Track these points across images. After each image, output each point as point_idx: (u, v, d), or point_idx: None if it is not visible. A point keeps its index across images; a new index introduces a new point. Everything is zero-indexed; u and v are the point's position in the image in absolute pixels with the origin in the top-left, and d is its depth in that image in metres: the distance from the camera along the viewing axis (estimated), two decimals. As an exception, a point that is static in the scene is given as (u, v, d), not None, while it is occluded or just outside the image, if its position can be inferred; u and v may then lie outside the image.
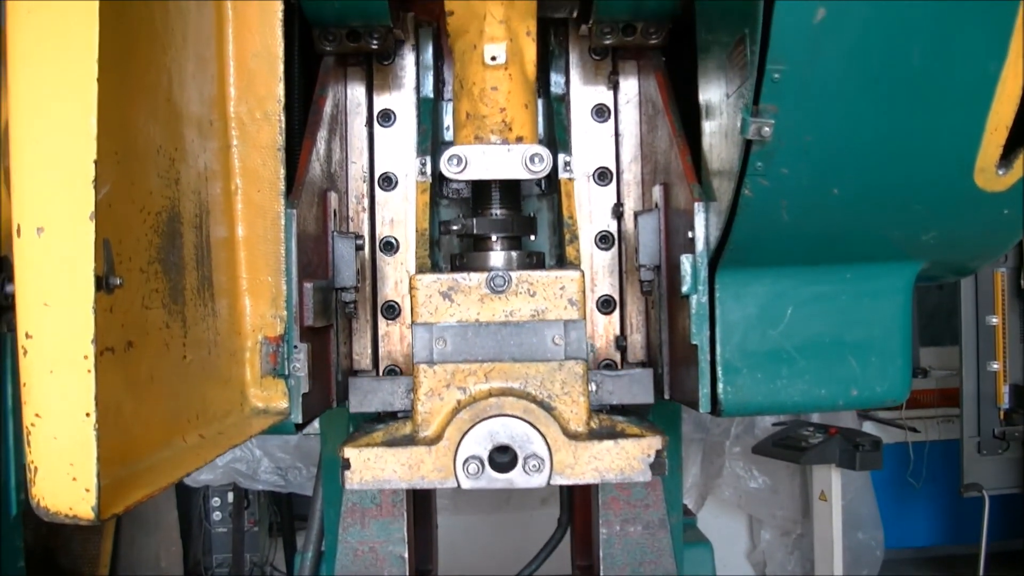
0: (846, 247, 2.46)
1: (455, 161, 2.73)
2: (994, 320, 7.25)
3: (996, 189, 2.29)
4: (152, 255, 2.05)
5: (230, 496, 8.08)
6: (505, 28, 2.78)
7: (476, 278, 2.62)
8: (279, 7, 2.56)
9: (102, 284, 1.69)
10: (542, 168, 2.72)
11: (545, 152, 2.72)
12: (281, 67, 2.55)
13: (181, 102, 2.27)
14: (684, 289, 2.48)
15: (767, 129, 2.06)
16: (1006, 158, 2.24)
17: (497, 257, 2.83)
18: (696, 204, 2.47)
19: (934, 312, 9.12)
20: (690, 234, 2.49)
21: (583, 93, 3.21)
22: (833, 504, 7.37)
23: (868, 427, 8.36)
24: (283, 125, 2.55)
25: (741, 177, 2.18)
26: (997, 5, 2.01)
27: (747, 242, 2.37)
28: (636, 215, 2.86)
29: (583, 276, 2.64)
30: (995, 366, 7.27)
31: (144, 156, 2.04)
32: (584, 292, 2.63)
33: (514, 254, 2.83)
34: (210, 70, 2.47)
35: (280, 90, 2.55)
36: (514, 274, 2.62)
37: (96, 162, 1.61)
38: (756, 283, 2.51)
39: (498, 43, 2.77)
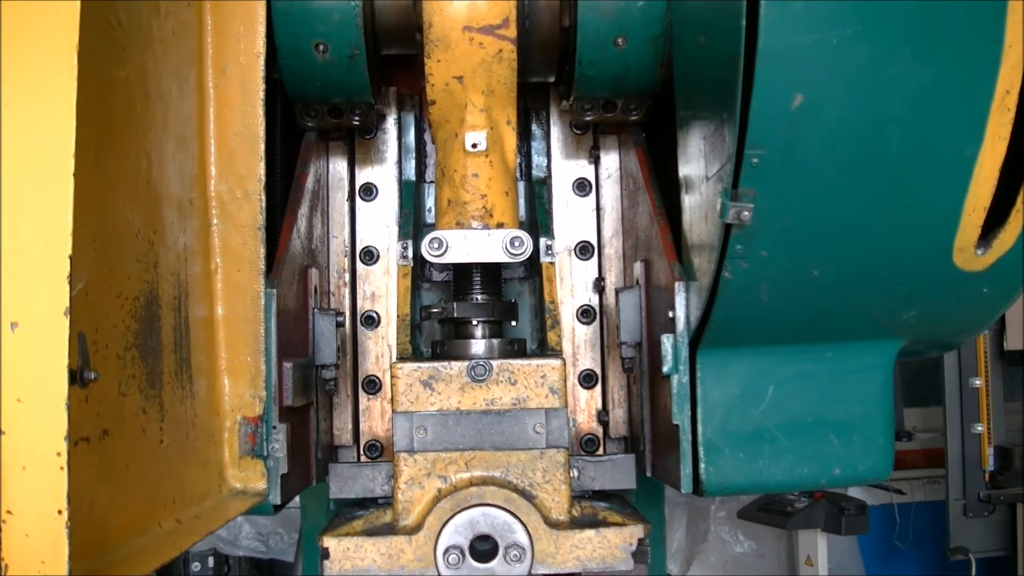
0: (827, 326, 2.46)
1: (436, 244, 2.73)
2: (977, 382, 7.26)
3: (975, 268, 2.30)
4: (129, 341, 2.03)
5: (211, 561, 7.97)
6: (486, 116, 2.79)
7: (457, 367, 2.63)
8: (261, 85, 2.56)
9: (76, 378, 1.67)
10: (522, 251, 2.73)
11: (525, 236, 2.73)
12: (262, 146, 2.56)
13: (161, 183, 2.26)
14: (665, 369, 2.48)
15: (746, 213, 2.07)
16: (984, 238, 2.26)
17: (478, 345, 2.82)
18: (677, 284, 2.47)
19: (918, 372, 9.11)
20: (671, 313, 2.49)
21: (565, 167, 3.22)
22: (819, 569, 7.33)
23: (854, 490, 8.31)
24: (263, 204, 2.55)
25: (721, 260, 2.18)
26: (973, 89, 2.03)
27: (728, 322, 2.37)
28: (617, 292, 2.86)
29: (564, 364, 2.65)
30: (979, 428, 7.27)
31: (122, 241, 2.03)
32: (565, 380, 2.64)
33: (495, 341, 2.83)
34: (191, 150, 2.47)
35: (261, 169, 2.55)
36: (495, 363, 2.64)
37: (72, 257, 1.59)
38: (737, 362, 2.50)
39: (479, 131, 2.79)
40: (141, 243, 2.12)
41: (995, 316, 2.59)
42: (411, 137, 3.25)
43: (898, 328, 2.52)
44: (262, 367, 2.52)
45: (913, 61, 1.99)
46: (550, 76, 3.03)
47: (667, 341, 2.47)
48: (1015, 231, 2.25)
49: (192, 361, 2.39)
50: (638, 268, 2.83)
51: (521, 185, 3.23)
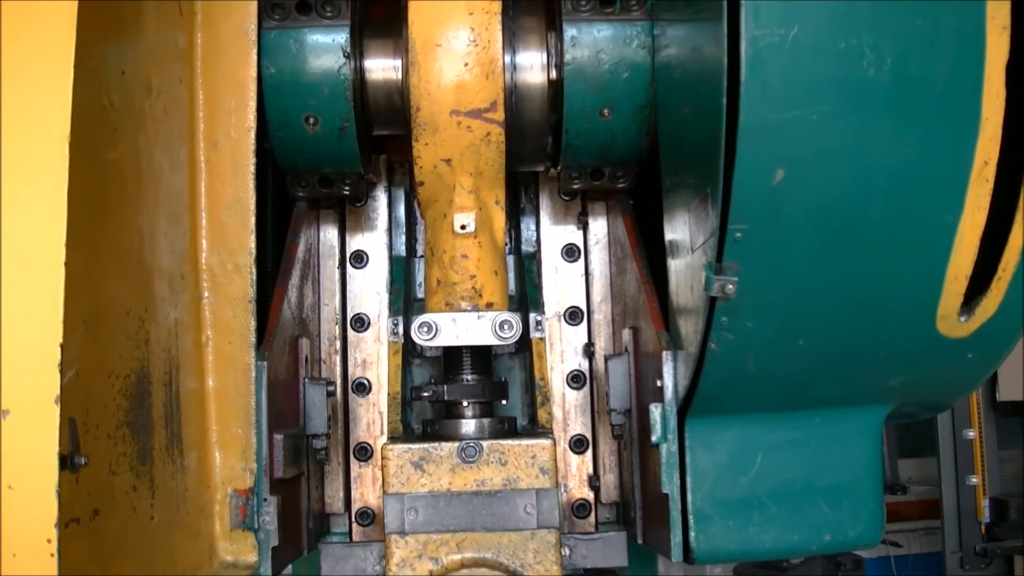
0: (813, 393, 2.48)
1: (425, 328, 2.75)
2: (971, 434, 7.27)
3: (959, 335, 2.32)
4: (120, 419, 2.04)
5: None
6: (474, 198, 2.82)
7: (447, 448, 2.65)
8: (252, 159, 2.60)
9: (67, 464, 1.68)
10: (512, 335, 2.75)
11: (515, 319, 2.75)
12: (253, 219, 2.59)
13: (152, 260, 2.29)
14: (654, 439, 2.49)
15: (731, 287, 2.09)
16: (967, 306, 2.28)
17: (469, 424, 2.84)
18: (664, 353, 2.49)
19: (912, 423, 9.11)
20: (659, 382, 2.50)
21: (553, 233, 3.25)
22: (817, 624, 7.28)
23: (849, 543, 8.27)
24: (254, 277, 2.57)
25: (707, 331, 2.21)
26: (952, 161, 2.07)
27: (715, 392, 2.39)
28: (607, 359, 2.88)
29: (554, 444, 2.67)
30: (974, 480, 7.27)
31: (114, 321, 2.05)
32: (555, 460, 2.67)
33: (485, 421, 2.85)
34: (182, 224, 2.50)
35: (252, 242, 2.57)
36: (485, 443, 2.66)
37: (63, 345, 1.61)
38: (726, 430, 2.52)
39: (467, 213, 2.81)
40: (132, 321, 2.14)
41: (981, 380, 2.61)
42: (401, 211, 3.28)
43: (885, 393, 2.54)
44: (253, 439, 2.53)
45: (892, 135, 2.02)
46: (540, 165, 3.06)
47: (655, 411, 2.49)
48: (997, 298, 2.27)
49: (183, 435, 2.40)
50: (627, 335, 2.85)
51: (511, 259, 3.27)
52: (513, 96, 2.77)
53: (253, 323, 2.55)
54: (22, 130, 1.70)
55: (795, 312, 2.21)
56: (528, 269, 3.24)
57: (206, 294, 2.56)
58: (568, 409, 3.18)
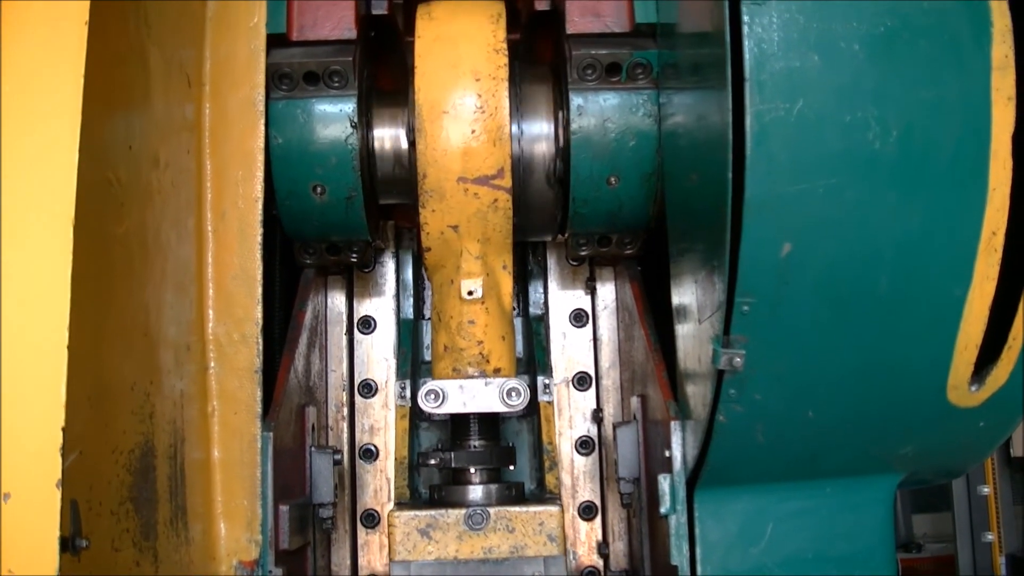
0: (824, 464, 2.46)
1: (432, 396, 2.75)
2: (986, 490, 7.18)
3: (970, 404, 2.30)
4: (123, 495, 2.03)
5: None
6: (481, 263, 2.82)
7: (454, 515, 2.64)
8: (259, 229, 2.60)
9: (68, 546, 1.67)
10: (519, 402, 2.74)
11: (522, 386, 2.74)
12: (259, 289, 2.58)
13: (158, 332, 2.28)
14: (663, 510, 2.46)
15: (738, 360, 2.08)
16: (978, 375, 2.26)
17: (476, 491, 2.82)
18: (673, 423, 2.47)
19: (926, 478, 9.01)
20: (667, 452, 2.48)
21: (561, 299, 3.25)
22: None
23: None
24: (260, 347, 2.56)
25: (715, 404, 2.19)
26: (960, 232, 2.06)
27: (724, 463, 2.37)
28: (615, 427, 2.87)
29: (562, 511, 2.66)
30: (990, 537, 7.17)
31: (118, 396, 2.04)
32: (563, 527, 2.66)
33: (493, 487, 2.83)
34: (189, 295, 2.49)
35: (258, 312, 2.57)
36: (492, 510, 2.65)
37: (64, 428, 1.61)
38: (735, 501, 2.49)
39: (475, 279, 2.81)
40: (137, 395, 2.13)
41: (994, 447, 2.59)
42: (409, 274, 3.29)
43: (896, 462, 2.52)
44: (258, 510, 2.51)
45: (899, 207, 2.02)
46: (548, 236, 3.06)
47: (664, 481, 2.46)
48: (1008, 367, 2.25)
49: (188, 507, 2.39)
50: (635, 403, 2.83)
51: (518, 321, 3.26)
52: (520, 164, 2.77)
53: (259, 393, 2.54)
54: (26, 210, 1.71)
55: (804, 384, 2.20)
56: (536, 332, 3.24)
57: (212, 364, 2.56)
58: (577, 475, 3.15)
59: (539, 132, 2.81)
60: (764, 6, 1.96)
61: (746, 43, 1.95)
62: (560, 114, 2.78)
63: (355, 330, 3.23)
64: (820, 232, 2.00)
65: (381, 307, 3.25)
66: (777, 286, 2.03)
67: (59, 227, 1.69)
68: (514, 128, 2.76)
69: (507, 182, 2.72)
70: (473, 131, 2.70)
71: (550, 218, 2.93)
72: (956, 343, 2.17)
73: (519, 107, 2.79)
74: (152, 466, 2.19)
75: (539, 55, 3.11)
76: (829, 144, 1.97)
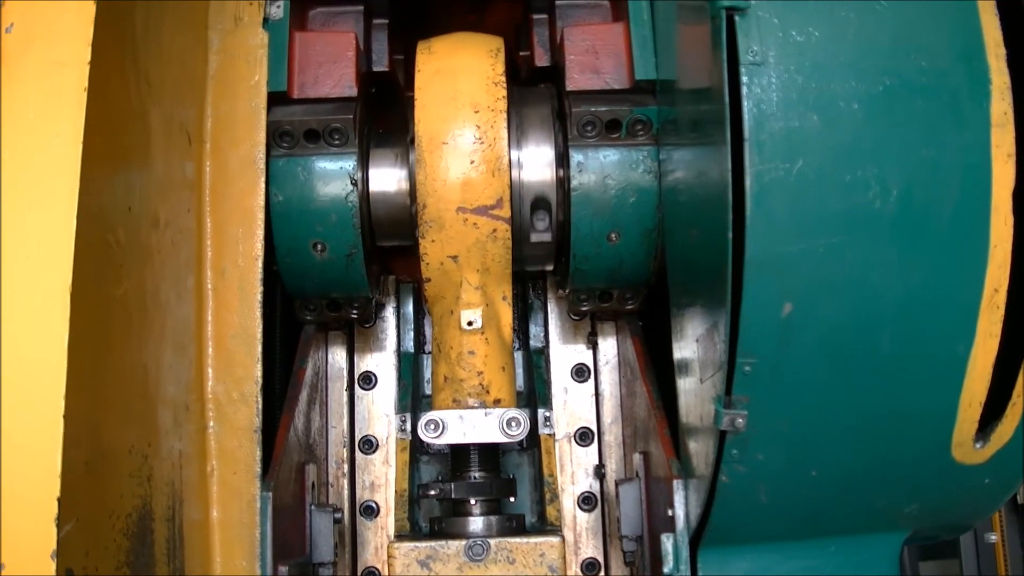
0: (828, 522, 2.44)
1: (432, 426, 2.73)
2: (993, 537, 7.12)
3: (975, 461, 2.29)
4: (121, 559, 2.00)
5: None
6: (481, 294, 2.82)
7: (455, 546, 2.62)
8: (259, 287, 2.59)
9: (63, 616, 1.65)
10: (519, 432, 2.73)
11: (522, 416, 2.73)
12: (259, 348, 2.57)
13: (156, 394, 2.27)
14: (666, 570, 2.44)
15: (740, 420, 2.07)
16: (982, 431, 2.25)
17: (476, 522, 2.80)
18: (675, 482, 2.45)
19: (932, 525, 8.94)
20: (670, 512, 2.46)
21: (563, 352, 3.24)
22: None
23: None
24: (260, 406, 2.55)
25: (717, 464, 2.18)
26: (962, 289, 2.06)
27: (728, 522, 2.35)
28: (617, 484, 2.85)
29: (563, 542, 2.63)
30: (997, 583, 7.11)
31: (116, 460, 2.02)
32: (564, 558, 2.63)
33: (493, 519, 2.81)
34: (188, 354, 2.48)
35: (258, 371, 2.56)
36: (493, 541, 2.63)
37: (60, 499, 1.59)
38: (739, 559, 2.47)
39: (474, 309, 2.81)
40: (135, 458, 2.11)
41: (1000, 504, 2.57)
42: (410, 308, 3.29)
43: (901, 520, 2.49)
44: (257, 571, 2.48)
45: (900, 265, 2.02)
46: (548, 265, 3.07)
47: (667, 541, 2.44)
48: (1013, 423, 2.24)
49: (186, 569, 2.36)
50: (637, 460, 2.82)
51: (519, 354, 3.26)
52: (519, 193, 2.78)
53: (258, 453, 2.53)
54: (23, 276, 1.70)
55: (807, 443, 2.19)
56: (537, 365, 3.23)
57: (211, 424, 2.54)
58: (579, 532, 3.13)
59: (539, 160, 2.81)
60: (763, 67, 1.97)
61: (745, 104, 1.95)
62: (560, 171, 2.79)
63: (356, 386, 3.21)
64: (822, 292, 2.00)
65: (382, 362, 3.24)
66: (779, 346, 2.02)
67: (56, 294, 1.68)
68: (514, 156, 2.77)
69: (506, 212, 2.73)
70: (472, 162, 2.71)
71: (549, 247, 2.93)
72: (960, 400, 2.17)
73: (519, 137, 2.80)
74: (150, 529, 2.17)
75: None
76: (829, 204, 1.97)
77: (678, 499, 2.45)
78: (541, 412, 3.09)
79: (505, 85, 2.75)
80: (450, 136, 2.71)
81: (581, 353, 3.24)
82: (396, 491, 3.02)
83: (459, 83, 2.74)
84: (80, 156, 1.72)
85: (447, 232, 2.75)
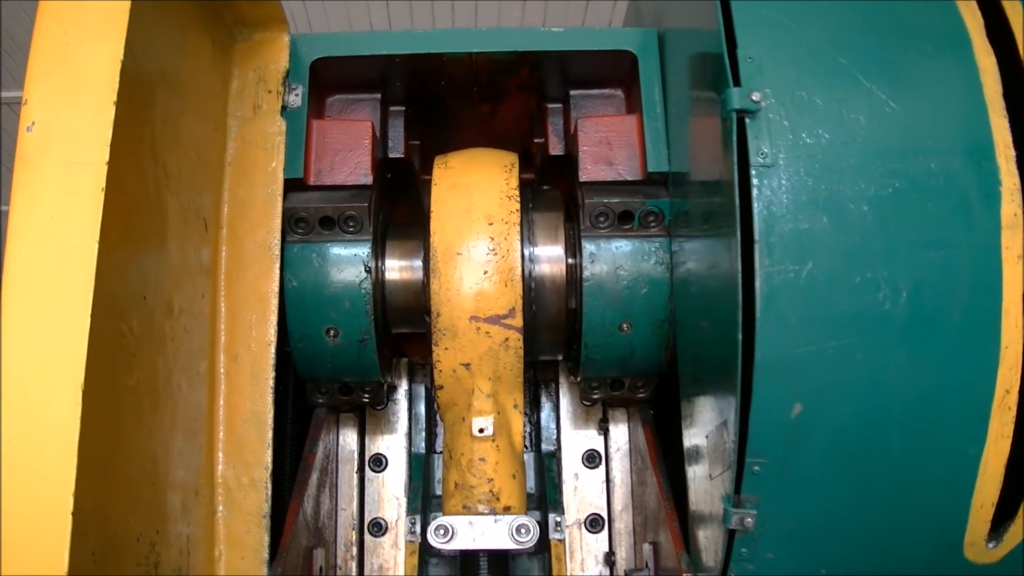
0: (840, 621, 2.42)
1: (442, 532, 2.72)
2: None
3: (988, 561, 2.27)
4: (125, 654, 2.00)
5: None
6: (493, 402, 2.83)
7: None
8: (271, 373, 2.61)
9: None
10: (529, 540, 2.71)
11: (532, 523, 2.72)
12: (270, 433, 2.58)
13: (166, 479, 2.27)
14: (677, 675, 2.42)
15: (749, 520, 2.06)
16: (995, 531, 2.23)
17: None
18: (684, 576, 2.44)
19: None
20: (680, 609, 2.45)
21: (574, 438, 3.24)
22: None
23: None
24: (270, 492, 2.55)
25: (726, 562, 2.17)
26: (973, 391, 2.06)
27: (738, 620, 2.33)
28: (627, 573, 2.83)
29: None
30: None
31: (123, 549, 2.03)
32: None
33: None
34: (199, 439, 2.49)
35: (268, 456, 2.56)
36: None
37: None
38: (751, 657, 2.44)
39: (486, 416, 2.82)
40: (143, 547, 2.11)
41: (1015, 603, 2.54)
42: (421, 408, 3.30)
43: (917, 617, 2.47)
44: (261, 667, 2.47)
45: (910, 367, 2.02)
46: (559, 355, 3.08)
47: (677, 639, 2.43)
48: (1025, 523, 2.23)
49: (191, 657, 2.35)
50: (647, 550, 2.80)
51: (531, 457, 3.26)
52: (533, 300, 2.80)
53: (267, 538, 2.52)
54: (35, 368, 1.72)
55: (816, 542, 2.17)
56: (548, 468, 3.22)
57: (220, 508, 2.54)
58: (590, 620, 3.11)
59: (551, 257, 2.84)
60: (773, 168, 1.99)
61: (755, 205, 1.98)
62: (572, 261, 2.81)
63: (366, 468, 3.22)
64: (831, 393, 2.01)
65: (393, 444, 3.24)
66: (788, 446, 2.02)
67: (69, 387, 1.70)
68: (527, 253, 2.80)
69: (518, 321, 2.75)
70: (486, 272, 2.73)
71: (560, 340, 2.94)
72: (972, 502, 2.16)
73: (531, 236, 2.83)
74: (156, 618, 2.17)
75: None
76: (839, 305, 1.98)
77: (688, 597, 2.44)
78: (552, 517, 3.09)
79: (519, 199, 2.78)
80: (464, 247, 2.74)
81: (593, 439, 3.24)
82: None
83: (474, 197, 2.78)
84: (96, 255, 1.74)
85: (460, 340, 2.76)
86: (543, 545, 3.08)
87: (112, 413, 1.98)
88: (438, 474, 3.24)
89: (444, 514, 2.81)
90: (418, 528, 3.04)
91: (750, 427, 1.99)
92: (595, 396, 3.05)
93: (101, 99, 1.82)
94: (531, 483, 3.21)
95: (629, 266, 2.75)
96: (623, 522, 3.15)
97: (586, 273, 2.74)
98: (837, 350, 1.98)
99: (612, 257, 2.75)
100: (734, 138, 2.02)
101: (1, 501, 1.69)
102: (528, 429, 3.23)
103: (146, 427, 2.17)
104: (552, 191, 3.03)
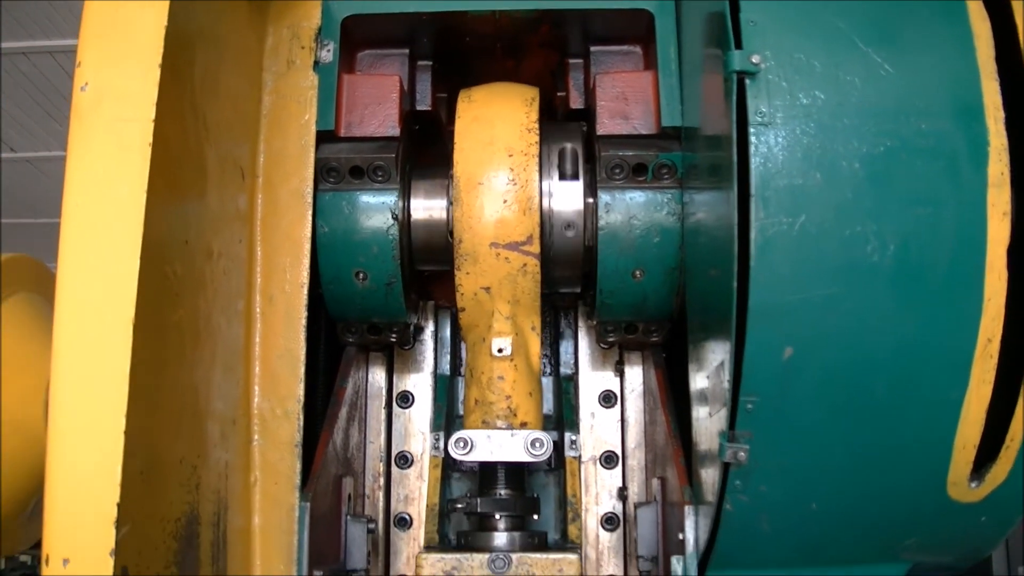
0: (829, 552, 2.55)
1: (461, 444, 2.89)
2: (1025, 570, 7.16)
3: (971, 500, 2.39)
4: (169, 559, 2.20)
5: None
6: (511, 324, 2.99)
7: (479, 559, 2.78)
8: (304, 312, 2.78)
9: (118, 611, 1.85)
10: (543, 452, 2.87)
11: (546, 437, 2.88)
12: (302, 368, 2.76)
13: (206, 410, 2.46)
14: (676, 590, 2.58)
15: (743, 454, 2.21)
16: (977, 472, 2.35)
17: (500, 537, 2.96)
18: (687, 508, 2.59)
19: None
20: (681, 535, 2.60)
21: (591, 378, 3.40)
22: None
23: None
24: (302, 423, 2.74)
25: (722, 493, 2.31)
26: (956, 339, 2.18)
27: (732, 549, 2.48)
28: (636, 506, 2.99)
29: (581, 559, 2.78)
30: (1031, 618, 7.14)
31: (168, 470, 2.22)
32: (582, 574, 2.77)
33: (517, 535, 2.97)
34: (236, 374, 2.68)
35: (300, 390, 2.75)
36: (515, 556, 2.78)
37: (119, 504, 1.79)
38: (745, 584, 2.60)
39: (504, 337, 2.98)
40: (185, 468, 2.31)
41: (997, 542, 2.66)
42: (447, 333, 3.49)
43: (901, 552, 2.59)
44: (294, 575, 2.66)
45: (896, 316, 2.15)
46: (576, 287, 3.23)
47: (677, 564, 2.58)
48: (1007, 465, 2.34)
49: (228, 570, 2.55)
50: (655, 485, 2.96)
51: (550, 380, 3.45)
52: (550, 230, 2.96)
53: (299, 466, 2.71)
54: (90, 305, 1.91)
55: (806, 477, 2.32)
56: (566, 391, 3.39)
57: (256, 437, 2.73)
58: (601, 550, 3.28)
59: (568, 191, 2.98)
60: (770, 127, 2.12)
61: (752, 161, 2.10)
62: (589, 210, 2.95)
63: (394, 404, 3.39)
64: (820, 338, 2.14)
65: (419, 383, 3.41)
66: (780, 387, 2.16)
67: (121, 323, 1.88)
68: (545, 186, 2.95)
69: (535, 248, 2.90)
70: (505, 201, 2.88)
71: (577, 275, 3.10)
72: (954, 443, 2.27)
73: (549, 169, 2.98)
74: (196, 533, 2.36)
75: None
76: (829, 256, 2.11)
77: (688, 524, 2.59)
78: (568, 436, 3.25)
79: (538, 132, 2.93)
80: (485, 177, 2.89)
81: (609, 380, 3.39)
82: (427, 505, 3.19)
83: (495, 130, 2.93)
84: (144, 204, 1.92)
85: (481, 265, 2.92)
86: (559, 462, 3.26)
87: (158, 348, 2.16)
88: (461, 395, 3.40)
89: (465, 428, 2.98)
90: (441, 444, 3.23)
91: (744, 368, 2.13)
92: (610, 339, 3.20)
93: (148, 62, 1.99)
94: (549, 406, 3.38)
95: (642, 216, 2.89)
96: (636, 459, 3.31)
97: (601, 222, 2.88)
98: (827, 298, 2.11)
99: (626, 207, 2.89)
100: (734, 98, 2.14)
101: (61, 423, 1.88)
102: (547, 355, 3.39)
103: (188, 361, 2.35)
104: (575, 123, 3.16)
